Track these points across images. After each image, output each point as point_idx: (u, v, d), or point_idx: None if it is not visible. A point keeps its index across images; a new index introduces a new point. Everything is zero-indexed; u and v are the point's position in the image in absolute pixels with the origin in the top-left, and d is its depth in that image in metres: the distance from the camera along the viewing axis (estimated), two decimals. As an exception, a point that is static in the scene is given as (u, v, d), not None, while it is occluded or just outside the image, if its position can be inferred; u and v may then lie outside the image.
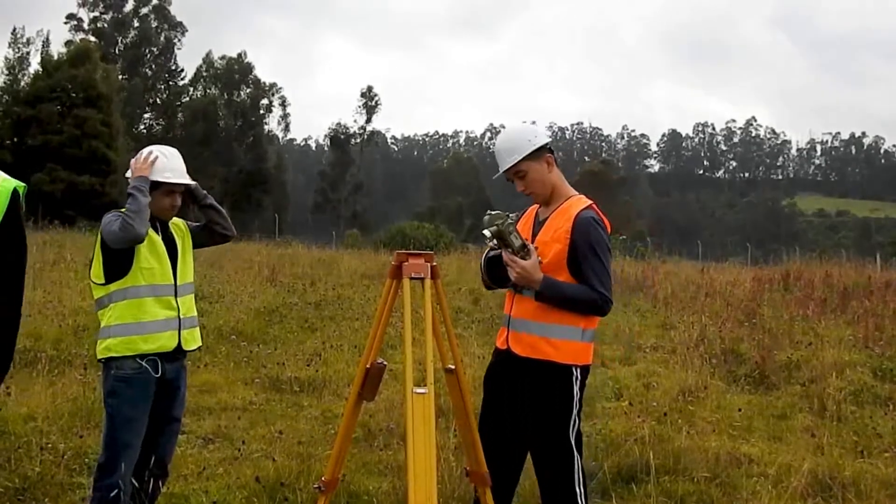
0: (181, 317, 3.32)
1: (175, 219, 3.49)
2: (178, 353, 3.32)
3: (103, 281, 3.24)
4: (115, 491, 3.12)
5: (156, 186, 3.27)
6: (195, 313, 3.45)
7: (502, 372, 3.09)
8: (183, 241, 3.47)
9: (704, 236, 62.53)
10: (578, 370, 2.96)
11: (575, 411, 2.95)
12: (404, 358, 2.58)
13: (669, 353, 7.86)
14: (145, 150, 3.37)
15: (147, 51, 58.61)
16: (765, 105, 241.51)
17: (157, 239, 3.32)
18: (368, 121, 70.40)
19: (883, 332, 8.62)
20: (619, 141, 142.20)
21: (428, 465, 2.41)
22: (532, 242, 2.96)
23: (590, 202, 3.04)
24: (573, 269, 2.92)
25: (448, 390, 2.98)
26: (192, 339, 3.39)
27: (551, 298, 2.90)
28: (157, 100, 58.99)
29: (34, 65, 44.37)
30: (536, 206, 3.16)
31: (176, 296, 3.32)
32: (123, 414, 3.19)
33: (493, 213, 2.89)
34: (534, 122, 3.33)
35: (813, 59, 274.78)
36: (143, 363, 3.20)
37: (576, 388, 2.95)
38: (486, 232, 2.85)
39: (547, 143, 3.03)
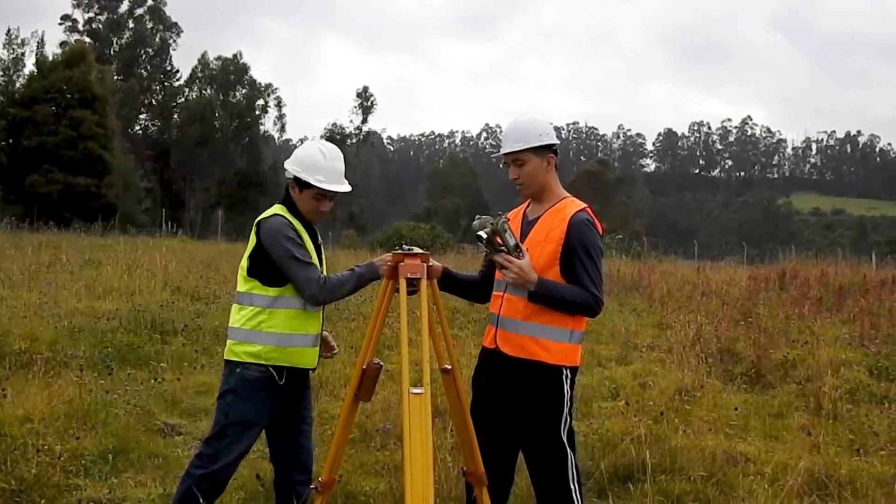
0: (321, 334, 3.25)
1: None
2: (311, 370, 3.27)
3: (264, 281, 3.11)
4: (207, 486, 3.03)
5: (307, 184, 3.13)
6: None
7: (491, 371, 3.08)
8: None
9: (700, 236, 62.70)
10: (568, 370, 2.97)
11: (566, 410, 2.96)
12: (401, 358, 2.58)
13: (666, 353, 7.86)
14: (311, 148, 3.18)
15: (142, 52, 58.42)
16: (760, 104, 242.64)
17: (313, 250, 3.18)
18: (364, 121, 70.33)
19: (878, 330, 8.64)
20: (615, 140, 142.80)
21: (425, 465, 2.41)
22: (522, 242, 2.95)
23: (584, 205, 3.05)
24: (564, 270, 2.92)
25: (444, 391, 2.98)
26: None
27: (545, 299, 2.89)
28: (153, 101, 58.83)
29: (29, 66, 44.21)
30: (523, 206, 3.17)
31: (323, 311, 3.25)
32: (240, 413, 3.08)
33: (482, 216, 2.87)
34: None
35: (808, 58, 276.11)
36: (271, 369, 3.09)
37: (566, 388, 2.96)
38: (482, 233, 2.81)
39: (554, 145, 3.05)
